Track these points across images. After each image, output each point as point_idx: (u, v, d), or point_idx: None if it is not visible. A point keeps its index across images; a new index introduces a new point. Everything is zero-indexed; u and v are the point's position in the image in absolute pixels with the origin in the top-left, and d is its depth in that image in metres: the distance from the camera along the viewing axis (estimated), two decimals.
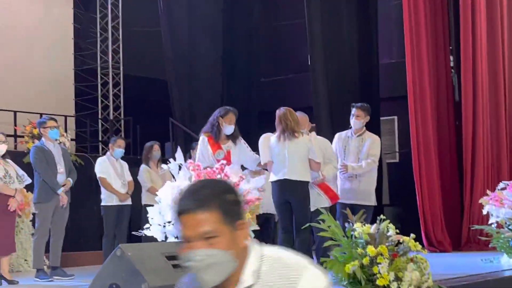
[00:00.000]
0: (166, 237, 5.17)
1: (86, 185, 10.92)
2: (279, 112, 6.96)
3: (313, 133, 7.48)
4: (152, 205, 8.58)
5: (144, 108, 14.84)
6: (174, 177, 5.76)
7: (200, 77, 14.73)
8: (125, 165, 9.49)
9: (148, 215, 5.32)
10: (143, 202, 9.50)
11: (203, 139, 7.15)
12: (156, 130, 13.36)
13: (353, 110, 8.06)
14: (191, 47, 14.60)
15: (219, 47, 15.10)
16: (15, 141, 12.50)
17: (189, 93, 14.18)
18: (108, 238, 9.13)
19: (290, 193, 6.90)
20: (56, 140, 8.56)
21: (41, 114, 12.27)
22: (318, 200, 7.35)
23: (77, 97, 14.83)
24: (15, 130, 12.54)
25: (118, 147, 9.41)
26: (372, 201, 7.94)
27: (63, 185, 8.28)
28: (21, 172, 8.10)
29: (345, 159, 8.01)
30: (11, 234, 8.04)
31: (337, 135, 8.24)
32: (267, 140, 6.96)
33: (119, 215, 9.20)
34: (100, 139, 14.90)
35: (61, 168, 8.40)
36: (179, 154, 5.31)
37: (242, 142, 7.27)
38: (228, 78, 15.32)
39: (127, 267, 4.37)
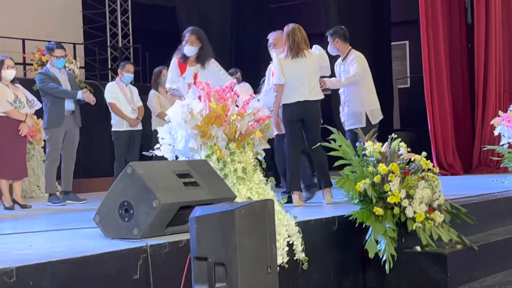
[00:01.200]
0: (176, 157, 5.16)
1: (97, 112, 10.92)
2: (287, 28, 6.77)
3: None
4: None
5: (153, 35, 14.71)
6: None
7: (210, 3, 14.56)
8: (135, 91, 9.46)
9: (158, 136, 5.29)
10: (153, 127, 9.50)
11: (173, 61, 7.22)
12: (165, 57, 13.24)
13: (328, 38, 7.71)
14: None
15: None
16: (24, 68, 12.46)
17: (198, 19, 14.01)
18: (120, 163, 9.15)
19: (307, 113, 6.78)
20: (61, 68, 8.48)
21: (49, 42, 12.20)
22: None
23: (85, 24, 14.71)
24: (24, 58, 12.49)
25: (126, 72, 9.36)
26: (363, 123, 7.48)
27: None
28: (31, 97, 8.07)
29: None
30: (23, 159, 8.06)
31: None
32: (281, 60, 6.75)
33: (129, 140, 9.22)
34: (109, 67, 14.84)
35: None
36: (188, 73, 5.26)
37: (213, 65, 7.06)
38: (238, 4, 15.14)
39: (138, 185, 4.36)
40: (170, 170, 4.61)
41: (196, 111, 4.94)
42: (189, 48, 7.05)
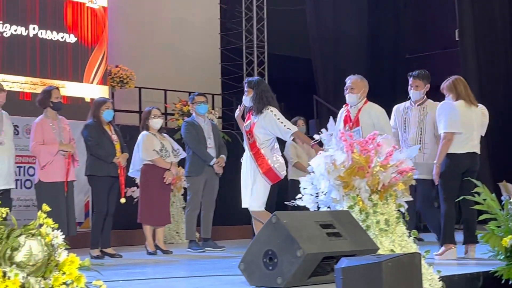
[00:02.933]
0: (318, 207, 5.20)
1: (234, 162, 11.13)
2: (453, 78, 6.74)
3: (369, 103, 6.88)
4: (298, 180, 8.72)
5: (288, 86, 14.95)
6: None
7: (345, 55, 14.70)
8: None
9: (300, 186, 5.36)
10: (289, 177, 9.59)
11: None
12: (300, 108, 13.44)
13: (410, 80, 7.15)
14: (336, 25, 14.58)
15: (364, 25, 14.98)
16: (166, 118, 12.95)
17: (334, 71, 14.17)
18: None
19: (473, 165, 6.63)
20: (204, 115, 8.78)
21: (189, 93, 12.65)
22: None
23: (223, 76, 15.17)
24: (166, 108, 12.98)
25: None
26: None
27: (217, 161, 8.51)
28: (176, 146, 8.40)
29: (405, 132, 7.14)
30: (167, 206, 8.36)
31: (395, 108, 7.36)
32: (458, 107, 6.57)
33: None
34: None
35: (211, 143, 8.63)
36: (331, 124, 5.32)
37: (271, 113, 6.85)
38: (373, 56, 15.19)
39: (283, 234, 4.43)
40: (313, 220, 4.65)
41: (338, 162, 4.98)
42: (245, 98, 7.07)
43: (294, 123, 9.84)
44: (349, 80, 6.87)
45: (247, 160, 7.12)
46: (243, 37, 15.38)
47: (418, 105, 7.11)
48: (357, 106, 6.74)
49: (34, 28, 11.28)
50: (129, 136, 9.22)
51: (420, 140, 7.00)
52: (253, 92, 6.98)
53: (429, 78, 7.14)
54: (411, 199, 5.22)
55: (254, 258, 4.53)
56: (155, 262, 7.34)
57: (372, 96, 14.77)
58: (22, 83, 10.93)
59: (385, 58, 15.24)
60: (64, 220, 7.07)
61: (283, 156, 9.65)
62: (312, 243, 4.42)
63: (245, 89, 7.07)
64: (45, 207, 3.33)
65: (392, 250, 4.79)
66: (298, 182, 8.42)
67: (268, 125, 6.80)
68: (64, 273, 3.10)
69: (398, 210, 5.07)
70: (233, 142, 11.94)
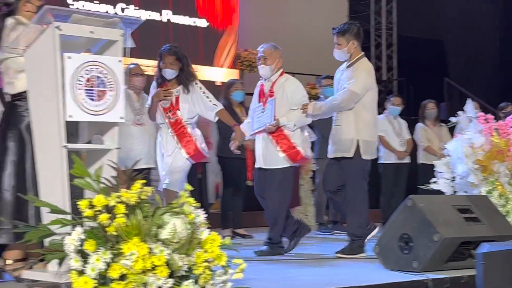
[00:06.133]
0: (454, 191, 5.10)
1: None
2: None
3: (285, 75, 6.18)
4: (428, 164, 8.54)
5: (418, 68, 14.67)
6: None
7: (477, 39, 14.26)
8: (404, 124, 9.45)
9: (434, 169, 5.27)
10: (419, 161, 9.43)
11: (152, 84, 6.32)
12: (430, 91, 13.16)
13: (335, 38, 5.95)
14: (468, 8, 14.15)
15: (499, 4, 14.47)
16: None
17: (466, 54, 13.78)
18: (386, 196, 9.20)
19: None
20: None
21: (317, 76, 12.63)
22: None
23: None
24: None
25: (393, 105, 9.39)
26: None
27: None
28: (308, 130, 8.38)
29: None
30: (296, 189, 8.38)
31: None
32: None
33: (396, 173, 9.22)
34: None
35: None
36: (470, 106, 5.16)
37: (197, 88, 6.01)
38: (506, 42, 14.67)
39: (418, 218, 4.37)
40: (451, 205, 4.56)
41: (477, 145, 4.86)
42: (169, 71, 6.06)
43: (424, 106, 9.65)
44: (262, 49, 6.06)
45: (164, 140, 6.12)
46: (372, 19, 15.19)
47: (347, 67, 5.97)
48: (271, 79, 6.04)
49: (167, 13, 11.58)
50: None
51: None
52: (180, 63, 6.08)
53: (352, 32, 5.93)
54: None
55: (389, 242, 4.50)
56: (285, 243, 7.38)
57: (507, 79, 14.21)
58: (155, 67, 11.24)
59: None
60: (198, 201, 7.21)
61: (413, 139, 9.55)
62: (449, 227, 4.34)
63: (168, 60, 6.08)
64: (188, 186, 3.43)
65: None
66: (428, 166, 8.31)
67: (195, 101, 5.97)
68: (206, 251, 3.18)
69: None
70: None
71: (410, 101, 14.06)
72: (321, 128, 8.38)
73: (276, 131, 5.86)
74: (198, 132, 6.09)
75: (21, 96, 4.08)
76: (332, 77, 8.92)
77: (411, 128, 9.64)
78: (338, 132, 5.79)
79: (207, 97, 5.94)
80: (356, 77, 5.69)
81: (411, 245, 4.37)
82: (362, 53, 5.91)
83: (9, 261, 4.03)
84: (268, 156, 5.90)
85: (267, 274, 4.49)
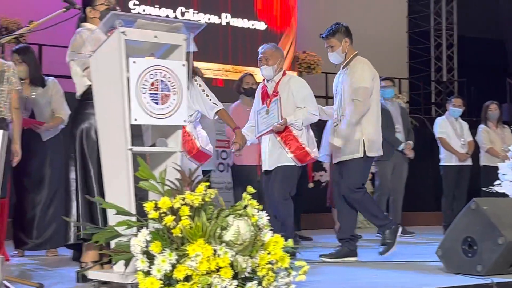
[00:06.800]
0: None
1: (421, 147, 10.96)
2: None
3: (288, 74, 6.12)
4: (491, 166, 8.41)
5: (479, 69, 14.48)
6: None
7: None
8: (465, 125, 9.33)
9: (498, 172, 5.19)
10: (482, 163, 9.31)
11: None
12: (491, 92, 12.96)
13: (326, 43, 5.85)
14: None
15: None
16: None
17: None
18: (447, 198, 9.09)
19: None
20: (391, 99, 8.69)
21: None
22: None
23: (410, 59, 14.92)
24: None
25: (454, 106, 9.28)
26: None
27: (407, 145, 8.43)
28: None
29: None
30: None
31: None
32: None
33: (458, 175, 9.10)
34: (432, 101, 14.86)
35: (399, 127, 8.54)
36: None
37: (196, 85, 5.69)
38: None
39: (483, 221, 4.32)
40: None
41: None
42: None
43: (487, 107, 9.50)
44: (262, 50, 5.97)
45: None
46: (431, 20, 15.04)
47: (343, 69, 5.86)
48: (275, 80, 5.94)
49: (226, 17, 11.66)
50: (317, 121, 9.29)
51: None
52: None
53: (343, 32, 5.85)
54: None
55: (453, 245, 4.46)
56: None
57: None
58: (215, 70, 11.36)
59: None
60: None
61: (475, 141, 9.42)
62: None
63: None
64: (250, 189, 3.45)
65: None
66: (491, 168, 8.19)
67: (193, 98, 5.68)
68: (269, 253, 3.20)
69: None
70: (421, 127, 11.74)
71: (472, 103, 13.88)
72: (382, 131, 8.33)
73: (284, 131, 5.75)
74: (203, 133, 5.90)
75: (87, 97, 4.20)
76: (391, 79, 8.91)
77: (473, 130, 9.51)
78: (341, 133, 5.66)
79: (207, 95, 5.69)
80: (357, 73, 5.58)
81: (475, 248, 4.32)
82: (356, 51, 5.80)
83: (86, 264, 4.12)
84: (274, 156, 5.80)
85: (327, 276, 4.49)
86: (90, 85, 4.02)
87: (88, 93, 4.17)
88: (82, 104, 4.30)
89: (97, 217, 4.03)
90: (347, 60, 5.72)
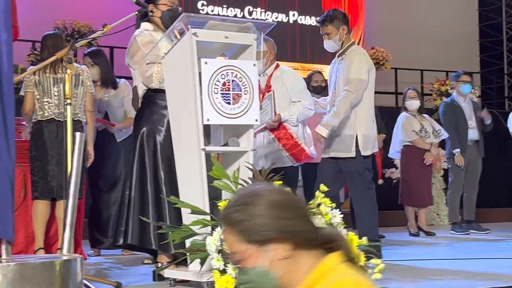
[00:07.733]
0: None
1: (496, 142, 10.75)
2: None
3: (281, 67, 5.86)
4: None
5: None
6: None
7: None
8: None
9: None
10: None
11: None
12: None
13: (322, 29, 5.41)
14: None
15: None
16: (422, 99, 12.75)
17: None
18: None
19: None
20: (467, 95, 8.55)
21: (447, 72, 12.39)
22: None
23: (482, 53, 14.64)
24: (422, 88, 12.79)
25: None
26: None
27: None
28: (437, 127, 8.26)
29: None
30: (428, 187, 8.29)
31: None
32: None
33: None
34: (505, 95, 14.54)
35: (472, 123, 8.39)
36: None
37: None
38: None
39: None
40: None
41: None
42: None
43: None
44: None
45: None
46: (503, 12, 14.71)
47: (338, 57, 5.44)
48: (267, 73, 5.72)
49: (294, 15, 11.66)
50: (386, 117, 9.22)
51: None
52: None
53: (340, 18, 5.42)
54: None
55: None
56: (418, 243, 7.29)
57: None
58: None
59: None
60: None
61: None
62: None
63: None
64: (323, 187, 3.45)
65: None
66: None
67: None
68: None
69: None
70: (494, 122, 11.48)
71: None
72: (446, 128, 8.20)
73: (278, 128, 5.55)
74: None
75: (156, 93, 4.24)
76: (469, 73, 8.74)
77: None
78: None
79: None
80: (354, 64, 5.16)
81: None
82: (353, 40, 5.48)
83: (162, 264, 4.15)
84: (271, 155, 5.58)
85: (403, 274, 4.45)
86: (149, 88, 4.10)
87: (147, 95, 4.22)
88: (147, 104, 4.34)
89: (166, 220, 4.01)
90: (343, 49, 5.31)
